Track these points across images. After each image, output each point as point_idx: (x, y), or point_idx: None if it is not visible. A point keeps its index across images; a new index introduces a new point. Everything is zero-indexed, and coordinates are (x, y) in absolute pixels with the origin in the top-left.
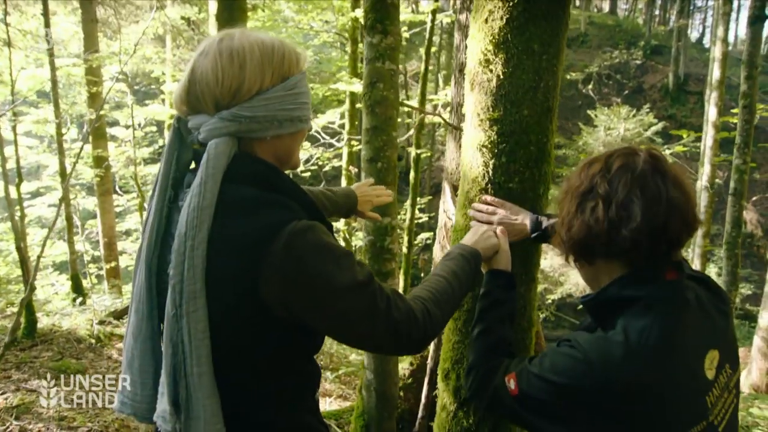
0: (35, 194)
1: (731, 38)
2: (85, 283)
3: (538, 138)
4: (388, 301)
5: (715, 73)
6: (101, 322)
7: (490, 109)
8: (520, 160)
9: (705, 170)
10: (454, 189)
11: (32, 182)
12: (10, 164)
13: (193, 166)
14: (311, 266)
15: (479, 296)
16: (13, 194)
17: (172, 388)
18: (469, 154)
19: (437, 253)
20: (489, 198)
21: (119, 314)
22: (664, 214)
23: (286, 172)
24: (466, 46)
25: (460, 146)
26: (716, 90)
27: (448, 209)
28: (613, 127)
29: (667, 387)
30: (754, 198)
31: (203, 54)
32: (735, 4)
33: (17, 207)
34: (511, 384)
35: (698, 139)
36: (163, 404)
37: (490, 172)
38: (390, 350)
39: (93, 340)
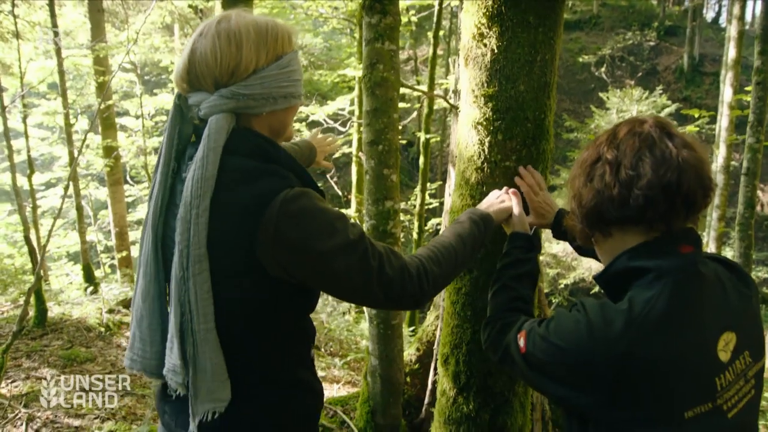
0: (48, 185)
1: (748, 17)
2: (99, 273)
3: (536, 114)
4: (380, 259)
5: (731, 52)
6: (110, 311)
7: (485, 85)
8: (517, 137)
9: (720, 152)
10: None
11: (45, 173)
12: (22, 156)
13: (193, 139)
14: (304, 228)
15: (500, 257)
16: (26, 185)
17: (180, 344)
18: (465, 133)
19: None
20: (534, 171)
21: (128, 303)
22: (675, 171)
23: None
24: None
25: None
26: (732, 70)
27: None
28: (626, 109)
29: (668, 362)
30: None
31: (202, 35)
32: None
33: (29, 198)
34: (521, 341)
35: (713, 120)
36: (172, 359)
37: (486, 151)
38: (386, 305)
39: (102, 329)
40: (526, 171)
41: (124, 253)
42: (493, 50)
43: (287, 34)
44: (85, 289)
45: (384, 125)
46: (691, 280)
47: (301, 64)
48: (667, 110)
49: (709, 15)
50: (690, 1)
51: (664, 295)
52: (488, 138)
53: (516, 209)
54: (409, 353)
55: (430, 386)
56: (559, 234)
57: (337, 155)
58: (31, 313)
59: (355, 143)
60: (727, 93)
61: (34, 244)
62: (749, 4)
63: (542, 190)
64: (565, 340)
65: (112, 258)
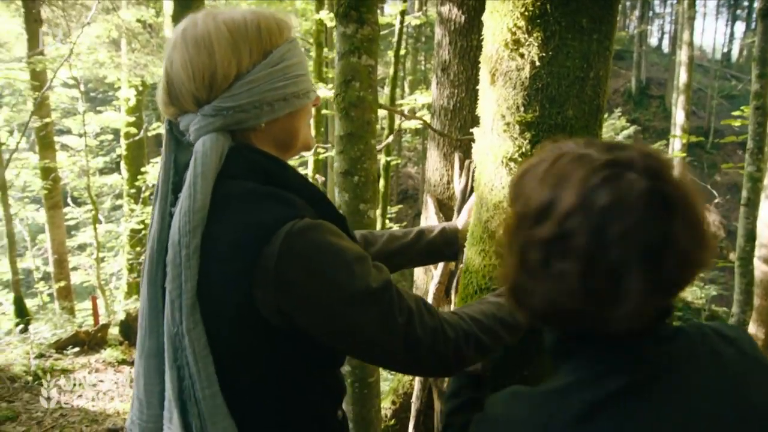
0: None
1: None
2: (36, 302)
3: None
4: (409, 315)
5: (682, 76)
6: (40, 356)
7: (522, 109)
8: None
9: None
10: (439, 204)
11: None
12: None
13: None
14: (313, 271)
15: (446, 397)
16: None
17: (181, 414)
18: (490, 171)
19: (419, 276)
20: None
21: (62, 345)
22: (674, 271)
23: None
24: (449, 42)
25: (444, 155)
26: (683, 94)
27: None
28: None
29: None
30: (716, 200)
31: (173, 47)
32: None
33: None
34: None
35: (666, 142)
36: (173, 430)
37: None
38: (414, 371)
39: (30, 378)
40: None
41: (63, 283)
42: (533, 62)
43: (275, 22)
44: (16, 325)
45: (360, 152)
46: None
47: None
48: (625, 132)
49: (653, 41)
50: (636, 27)
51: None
52: None
53: None
54: (384, 407)
55: None
56: None
57: None
58: None
59: (310, 164)
60: (679, 116)
61: None
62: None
63: None
64: None
65: (50, 287)
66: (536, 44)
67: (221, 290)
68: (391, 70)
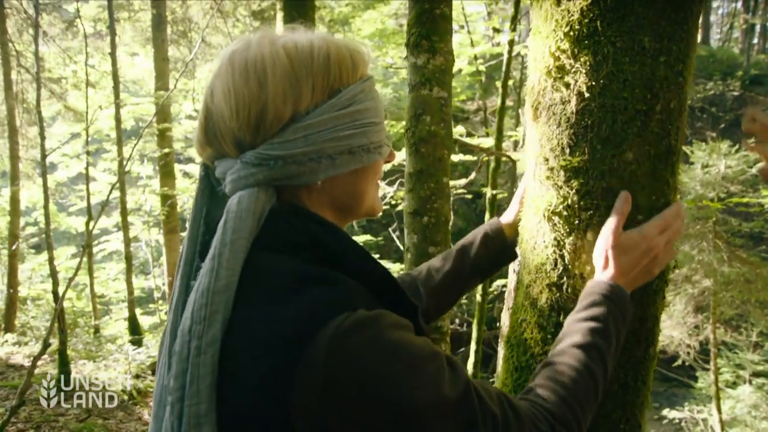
0: (114, 229)
1: None
2: (155, 320)
3: (651, 200)
4: (494, 425)
5: None
6: (136, 376)
7: (566, 151)
8: None
9: None
10: None
11: (110, 218)
12: (85, 202)
13: None
14: (370, 378)
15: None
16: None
17: None
18: (532, 225)
19: (505, 321)
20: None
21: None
22: None
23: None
24: None
25: None
26: None
27: (518, 270)
28: (712, 164)
29: None
30: None
31: (216, 74)
32: None
33: (89, 242)
34: None
35: None
36: None
37: (567, 258)
38: None
39: (126, 397)
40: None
41: None
42: (580, 94)
43: (349, 54)
44: (130, 342)
45: (431, 192)
46: None
47: (379, 98)
48: (759, 165)
49: None
50: None
51: None
52: (571, 237)
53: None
54: None
55: None
56: None
57: (400, 207)
58: (55, 372)
59: None
60: None
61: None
62: None
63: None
64: None
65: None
66: (584, 71)
67: (245, 398)
68: (499, 101)
